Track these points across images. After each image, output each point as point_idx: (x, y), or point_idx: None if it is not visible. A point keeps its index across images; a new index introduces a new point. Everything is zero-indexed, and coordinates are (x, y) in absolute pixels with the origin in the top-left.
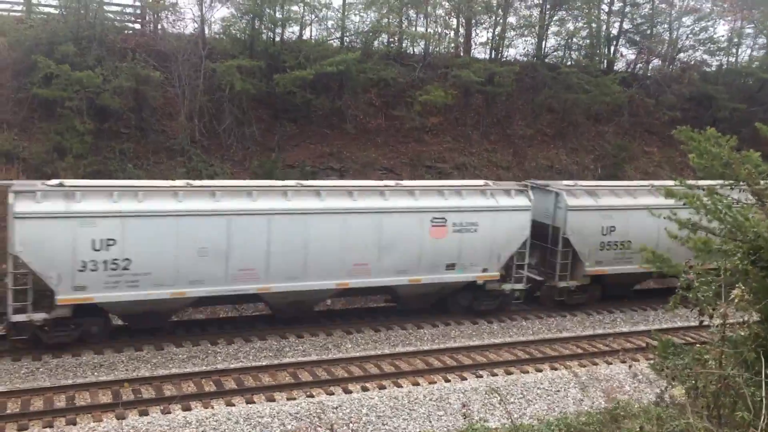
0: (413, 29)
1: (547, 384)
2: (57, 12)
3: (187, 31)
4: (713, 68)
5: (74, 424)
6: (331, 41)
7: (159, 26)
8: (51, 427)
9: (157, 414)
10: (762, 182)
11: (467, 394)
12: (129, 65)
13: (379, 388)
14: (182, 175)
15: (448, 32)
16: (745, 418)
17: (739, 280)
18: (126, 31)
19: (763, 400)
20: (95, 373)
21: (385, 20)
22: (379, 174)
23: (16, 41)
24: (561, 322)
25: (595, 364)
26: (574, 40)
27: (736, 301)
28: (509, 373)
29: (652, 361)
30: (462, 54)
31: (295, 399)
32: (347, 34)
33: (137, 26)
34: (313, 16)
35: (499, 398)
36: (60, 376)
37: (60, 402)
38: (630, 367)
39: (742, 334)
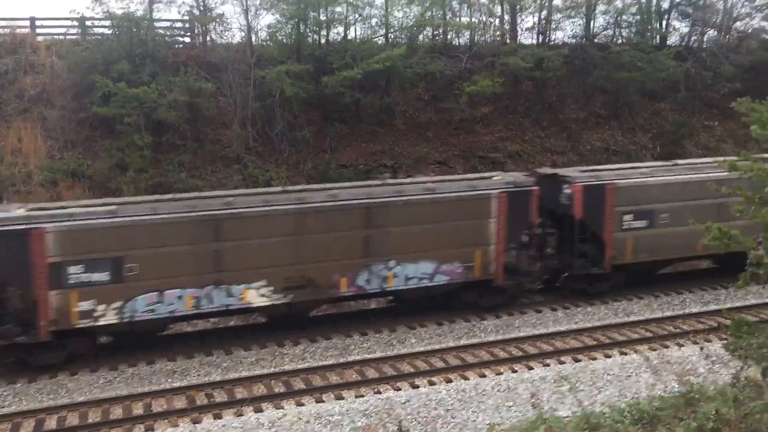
0: (457, 20)
1: (617, 369)
2: (110, 32)
3: (234, 41)
4: None
5: (152, 430)
6: (376, 39)
7: (208, 38)
8: None
9: (231, 417)
10: None
11: (535, 384)
12: (182, 79)
13: (446, 382)
14: (239, 182)
15: (492, 20)
16: None
17: None
18: (177, 46)
19: None
20: (169, 380)
21: (429, 13)
22: (432, 168)
23: (74, 63)
24: (627, 306)
25: (666, 347)
26: (624, 17)
27: None
28: (577, 361)
29: (725, 342)
30: (508, 41)
31: (363, 396)
32: (391, 30)
33: (187, 39)
34: (357, 15)
35: (568, 386)
36: (136, 384)
37: (138, 409)
38: (702, 348)
39: None
